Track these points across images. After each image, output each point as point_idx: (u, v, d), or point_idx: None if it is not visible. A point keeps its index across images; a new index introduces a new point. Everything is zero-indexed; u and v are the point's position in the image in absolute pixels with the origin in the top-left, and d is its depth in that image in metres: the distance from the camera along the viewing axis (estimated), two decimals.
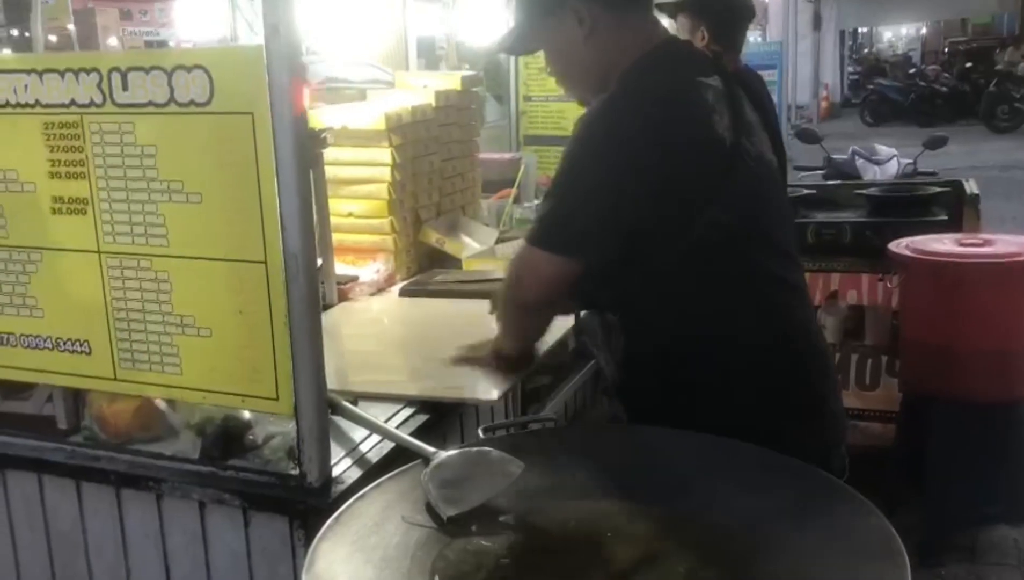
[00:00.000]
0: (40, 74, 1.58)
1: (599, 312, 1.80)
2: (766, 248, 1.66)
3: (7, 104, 1.62)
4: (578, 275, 1.62)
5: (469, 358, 2.03)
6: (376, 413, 1.74)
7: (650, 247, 1.57)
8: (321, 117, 2.75)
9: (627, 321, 1.70)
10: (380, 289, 2.76)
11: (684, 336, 1.61)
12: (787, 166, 3.27)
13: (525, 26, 1.78)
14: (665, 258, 1.58)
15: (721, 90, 1.63)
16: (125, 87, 1.52)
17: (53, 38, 2.60)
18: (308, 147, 1.54)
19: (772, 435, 1.43)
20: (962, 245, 3.20)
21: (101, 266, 1.62)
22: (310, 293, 1.47)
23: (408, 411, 1.85)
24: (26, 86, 1.60)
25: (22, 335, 1.73)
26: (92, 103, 1.55)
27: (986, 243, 3.19)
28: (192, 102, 1.47)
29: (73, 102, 1.57)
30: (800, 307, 1.72)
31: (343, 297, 2.61)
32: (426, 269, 2.94)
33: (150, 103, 1.51)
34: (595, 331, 1.82)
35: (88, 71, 1.55)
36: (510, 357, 1.93)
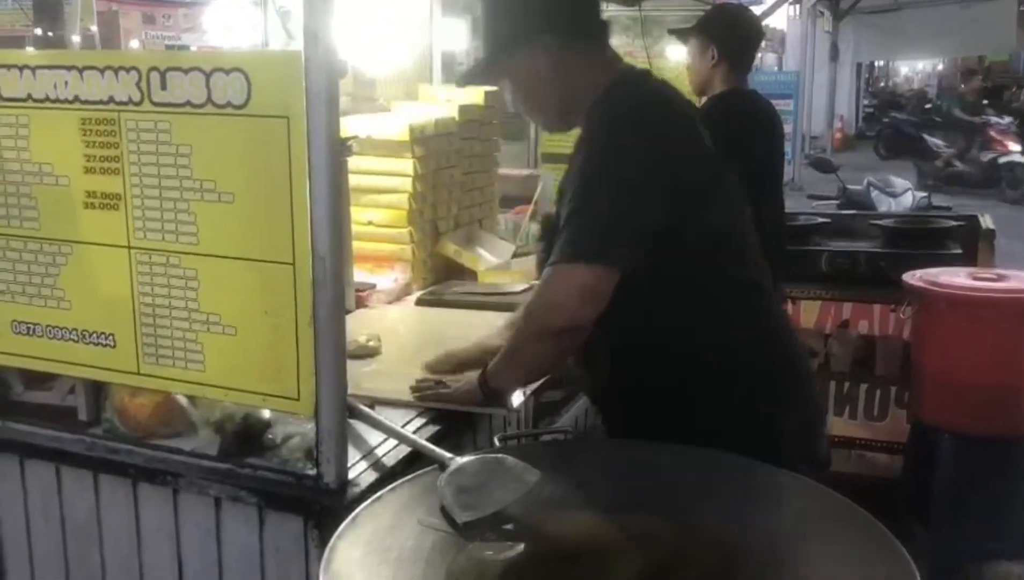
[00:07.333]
0: (80, 71, 1.61)
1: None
2: (743, 254, 1.76)
3: (47, 99, 1.65)
4: (616, 285, 1.60)
5: (439, 395, 1.89)
6: (391, 419, 1.76)
7: (654, 253, 1.62)
8: (346, 125, 2.79)
9: (615, 334, 1.67)
10: (397, 298, 2.79)
11: (672, 344, 1.67)
12: (782, 190, 3.31)
13: (492, 58, 1.79)
14: (662, 265, 1.63)
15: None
16: (163, 86, 1.55)
17: (76, 39, 2.64)
18: (340, 153, 1.56)
19: (758, 429, 1.60)
20: (976, 279, 3.21)
21: (130, 261, 1.65)
22: (336, 296, 1.49)
23: (422, 419, 1.86)
24: (66, 82, 1.63)
25: (48, 326, 1.75)
26: (130, 101, 1.59)
27: (1000, 278, 3.20)
28: (229, 104, 1.50)
29: (111, 99, 1.60)
30: (775, 310, 1.84)
31: (360, 304, 2.64)
32: (442, 280, 2.97)
33: (187, 103, 1.54)
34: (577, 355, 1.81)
35: (127, 69, 1.58)
36: (496, 392, 1.81)
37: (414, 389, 1.93)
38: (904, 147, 15.99)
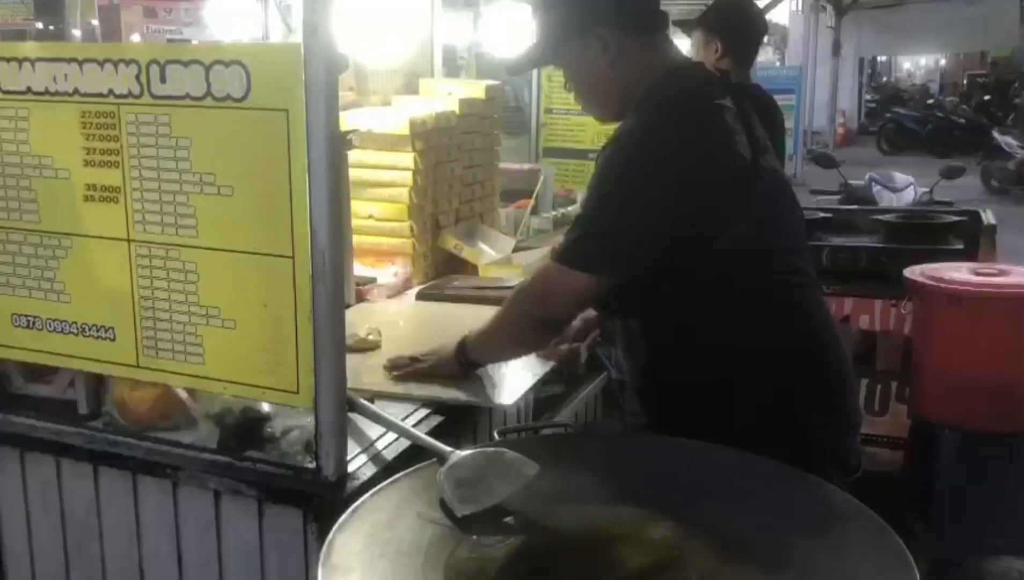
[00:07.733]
0: (80, 63, 1.61)
1: (622, 319, 1.81)
2: (783, 259, 1.73)
3: (46, 91, 1.65)
4: (606, 289, 1.66)
5: (417, 370, 1.96)
6: (391, 413, 1.76)
7: (679, 261, 1.62)
8: (347, 119, 2.78)
9: (652, 330, 1.73)
10: (397, 292, 2.78)
11: (709, 344, 1.67)
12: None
13: (547, 46, 1.79)
14: (693, 270, 1.63)
15: (735, 111, 1.70)
16: (163, 79, 1.55)
17: (77, 33, 2.65)
18: (340, 146, 1.56)
19: (792, 431, 1.61)
20: (978, 274, 3.20)
21: (130, 254, 1.65)
22: (335, 290, 1.49)
23: (422, 412, 1.86)
24: (66, 75, 1.62)
25: (48, 319, 1.75)
26: (130, 94, 1.58)
27: (1002, 273, 3.19)
28: (229, 97, 1.50)
29: (111, 92, 1.60)
30: (817, 313, 1.78)
31: (360, 298, 2.64)
32: (443, 274, 2.97)
33: (187, 96, 1.54)
34: (616, 337, 1.85)
35: (127, 62, 1.58)
36: (473, 363, 1.91)
37: (388, 367, 1.96)
38: (907, 142, 15.97)
